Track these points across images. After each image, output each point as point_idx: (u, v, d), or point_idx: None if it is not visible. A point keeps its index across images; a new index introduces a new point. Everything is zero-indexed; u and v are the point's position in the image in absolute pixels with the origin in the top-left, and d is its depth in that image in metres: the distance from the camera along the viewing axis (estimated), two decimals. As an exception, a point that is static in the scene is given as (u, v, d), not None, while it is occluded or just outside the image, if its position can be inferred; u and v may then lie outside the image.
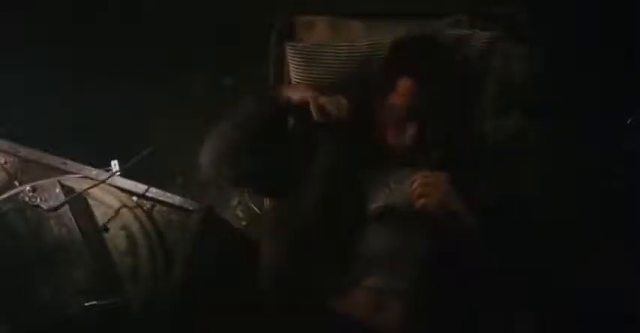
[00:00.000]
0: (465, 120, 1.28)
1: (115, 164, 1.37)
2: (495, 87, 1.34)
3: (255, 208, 2.02)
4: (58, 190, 1.27)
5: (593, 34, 1.91)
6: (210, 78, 2.20)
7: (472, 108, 1.35)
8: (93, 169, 1.35)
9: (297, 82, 1.39)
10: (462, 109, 1.22)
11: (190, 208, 1.30)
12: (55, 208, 1.25)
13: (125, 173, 1.36)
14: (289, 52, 1.38)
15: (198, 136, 2.08)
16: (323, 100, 1.13)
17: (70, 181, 1.32)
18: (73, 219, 1.24)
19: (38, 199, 1.27)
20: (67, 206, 1.26)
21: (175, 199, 1.31)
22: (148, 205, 1.32)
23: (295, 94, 1.17)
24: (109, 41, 2.15)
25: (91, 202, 1.31)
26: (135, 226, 1.27)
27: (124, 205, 1.29)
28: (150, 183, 1.34)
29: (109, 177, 1.31)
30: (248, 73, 2.05)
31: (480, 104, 1.35)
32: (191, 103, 2.17)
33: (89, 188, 1.29)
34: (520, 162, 1.30)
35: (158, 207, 1.32)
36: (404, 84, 1.10)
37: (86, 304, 1.15)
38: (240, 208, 2.05)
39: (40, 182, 1.29)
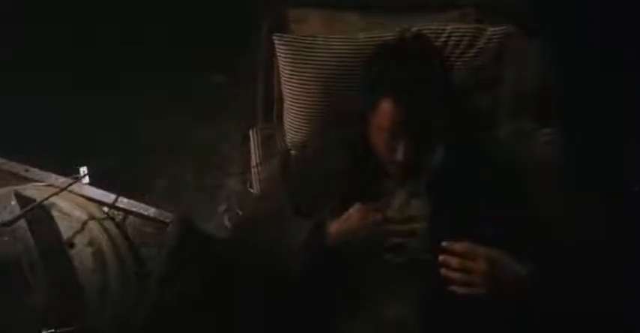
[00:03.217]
0: (465, 125, 1.18)
1: (83, 171, 1.29)
2: (510, 88, 1.27)
3: (244, 216, 1.94)
4: (13, 203, 1.16)
5: (595, 33, 1.89)
6: (206, 77, 2.18)
7: (480, 111, 1.27)
8: (58, 176, 1.26)
9: (288, 81, 1.31)
10: (458, 115, 1.13)
11: (166, 220, 1.21)
12: (10, 223, 1.13)
13: (108, 178, 1.30)
14: (277, 44, 1.31)
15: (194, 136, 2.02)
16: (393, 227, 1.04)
17: (32, 190, 1.22)
18: (29, 233, 1.12)
19: (-10, 213, 1.16)
20: (23, 220, 1.15)
21: (149, 211, 1.23)
22: (119, 216, 1.23)
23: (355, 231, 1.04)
24: (108, 41, 2.16)
25: (55, 214, 1.21)
26: (104, 241, 1.17)
27: (92, 217, 1.19)
28: (133, 187, 1.25)
29: (70, 184, 1.22)
30: (243, 72, 2.01)
31: (495, 106, 1.28)
32: (185, 103, 2.13)
33: (47, 198, 1.19)
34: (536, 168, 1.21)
35: (130, 219, 1.23)
36: (384, 106, 1.01)
37: (43, 332, 1.02)
38: (227, 216, 1.95)
39: (-7, 193, 1.18)
